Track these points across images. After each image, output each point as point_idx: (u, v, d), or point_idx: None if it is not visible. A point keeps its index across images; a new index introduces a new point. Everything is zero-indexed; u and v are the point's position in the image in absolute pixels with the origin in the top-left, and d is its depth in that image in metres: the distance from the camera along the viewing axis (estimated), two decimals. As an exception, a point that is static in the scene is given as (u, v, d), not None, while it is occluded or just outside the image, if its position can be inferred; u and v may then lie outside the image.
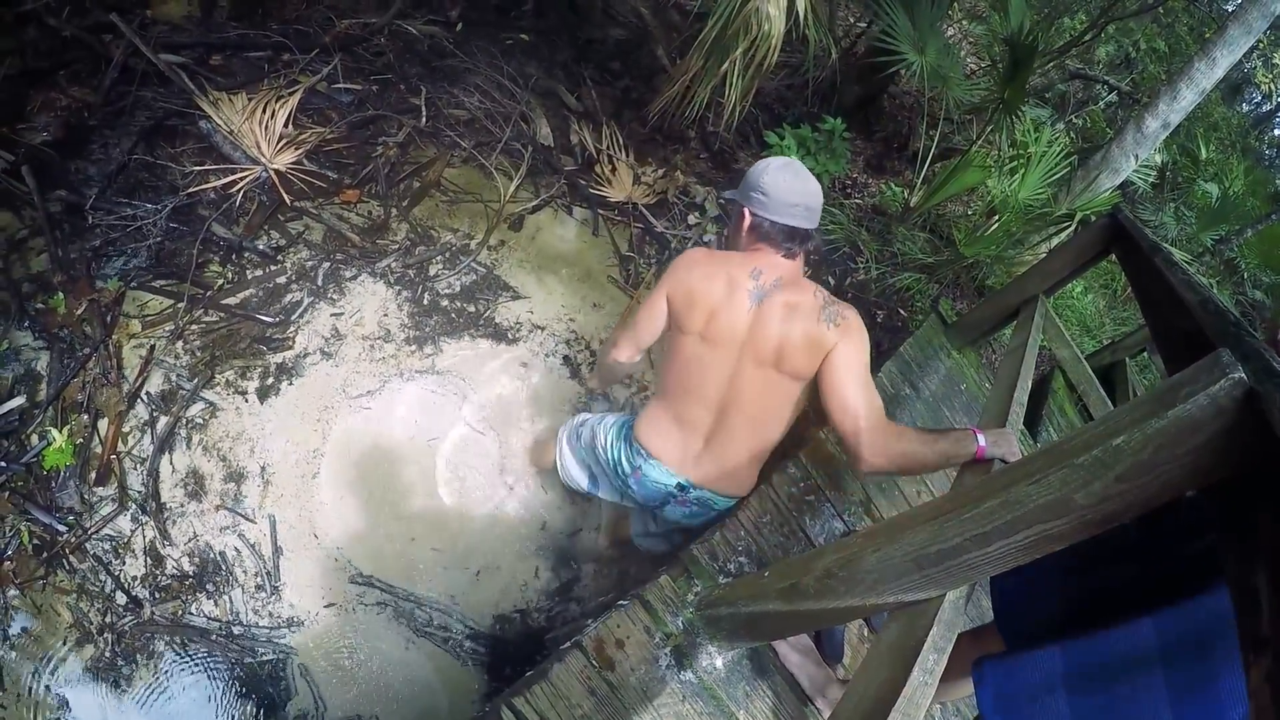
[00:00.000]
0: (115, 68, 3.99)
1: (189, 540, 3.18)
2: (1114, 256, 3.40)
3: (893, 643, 1.87)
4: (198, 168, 3.84)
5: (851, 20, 6.07)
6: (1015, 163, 5.21)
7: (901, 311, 5.01)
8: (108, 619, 2.98)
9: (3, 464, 3.08)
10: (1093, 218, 4.67)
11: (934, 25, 4.79)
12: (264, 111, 4.01)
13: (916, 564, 1.72)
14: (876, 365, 3.79)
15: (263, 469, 3.36)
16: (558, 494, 3.68)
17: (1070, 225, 4.97)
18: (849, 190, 5.65)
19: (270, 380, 3.55)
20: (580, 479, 3.02)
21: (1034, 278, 3.77)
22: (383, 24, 4.68)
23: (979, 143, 5.19)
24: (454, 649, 3.24)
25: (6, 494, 3.05)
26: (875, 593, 1.86)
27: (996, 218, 5.15)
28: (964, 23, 6.35)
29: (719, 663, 2.58)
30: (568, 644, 2.47)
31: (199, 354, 3.51)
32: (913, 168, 5.78)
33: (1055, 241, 5.15)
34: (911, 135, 6.07)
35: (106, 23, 4.10)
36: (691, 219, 4.80)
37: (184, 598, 3.08)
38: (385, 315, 3.85)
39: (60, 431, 3.15)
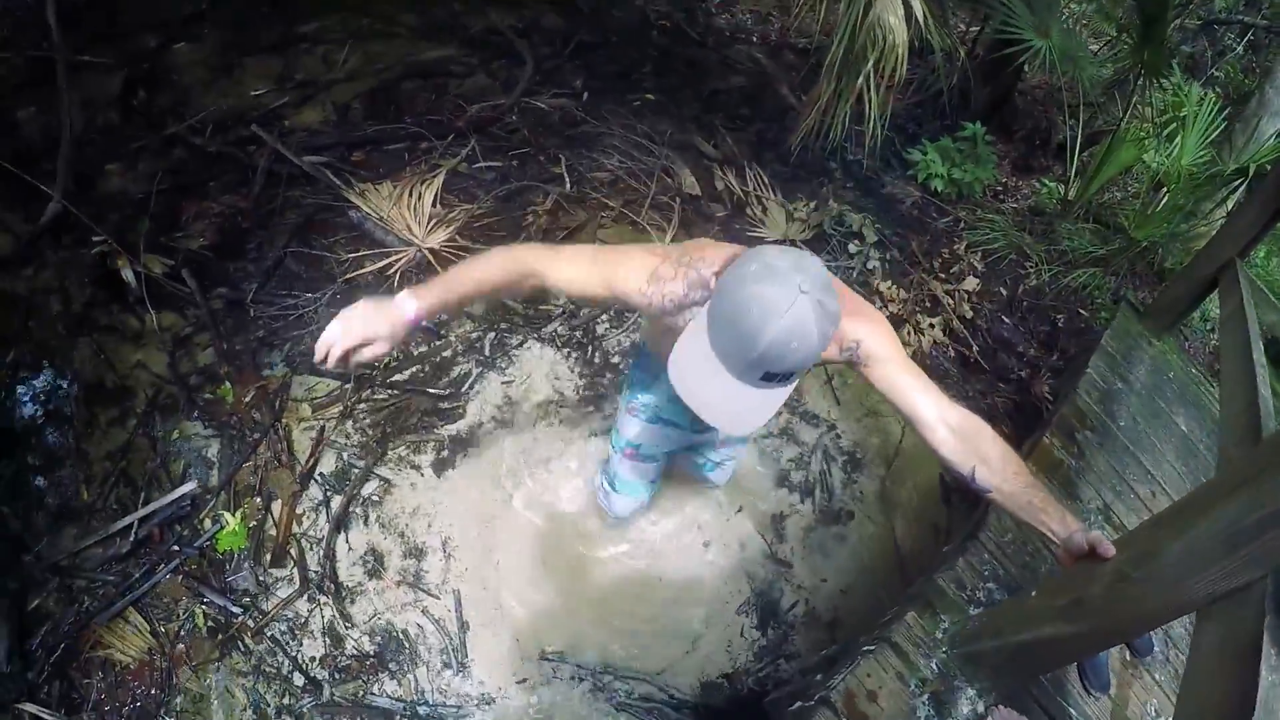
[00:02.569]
0: (261, 174, 4.13)
1: (369, 619, 3.00)
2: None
3: (1217, 648, 1.60)
4: (352, 255, 3.89)
5: (963, 26, 5.94)
6: (1170, 128, 4.84)
7: (1082, 312, 4.73)
8: (285, 701, 2.80)
9: (176, 548, 3.02)
10: (1267, 167, 4.25)
11: (1051, 7, 4.61)
12: (410, 195, 4.07)
13: (1229, 544, 1.45)
14: (1072, 371, 3.57)
15: (443, 543, 3.19)
16: (756, 550, 3.41)
17: (1243, 182, 4.54)
18: (1001, 196, 5.45)
19: (445, 453, 3.43)
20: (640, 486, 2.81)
21: (1223, 242, 3.56)
22: (511, 103, 4.78)
23: (1125, 118, 4.88)
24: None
25: (181, 578, 2.97)
26: (1180, 590, 1.57)
27: (1165, 190, 4.81)
28: (1073, 4, 6.12)
29: (981, 709, 2.19)
30: (812, 701, 2.15)
31: (370, 432, 3.43)
32: (1061, 161, 5.54)
33: (1230, 205, 4.76)
34: (1052, 128, 5.86)
35: (248, 135, 4.30)
36: (852, 247, 4.64)
37: (365, 678, 2.89)
38: (557, 379, 3.74)
39: (233, 515, 3.07)
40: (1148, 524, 1.82)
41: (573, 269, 1.76)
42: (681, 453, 2.90)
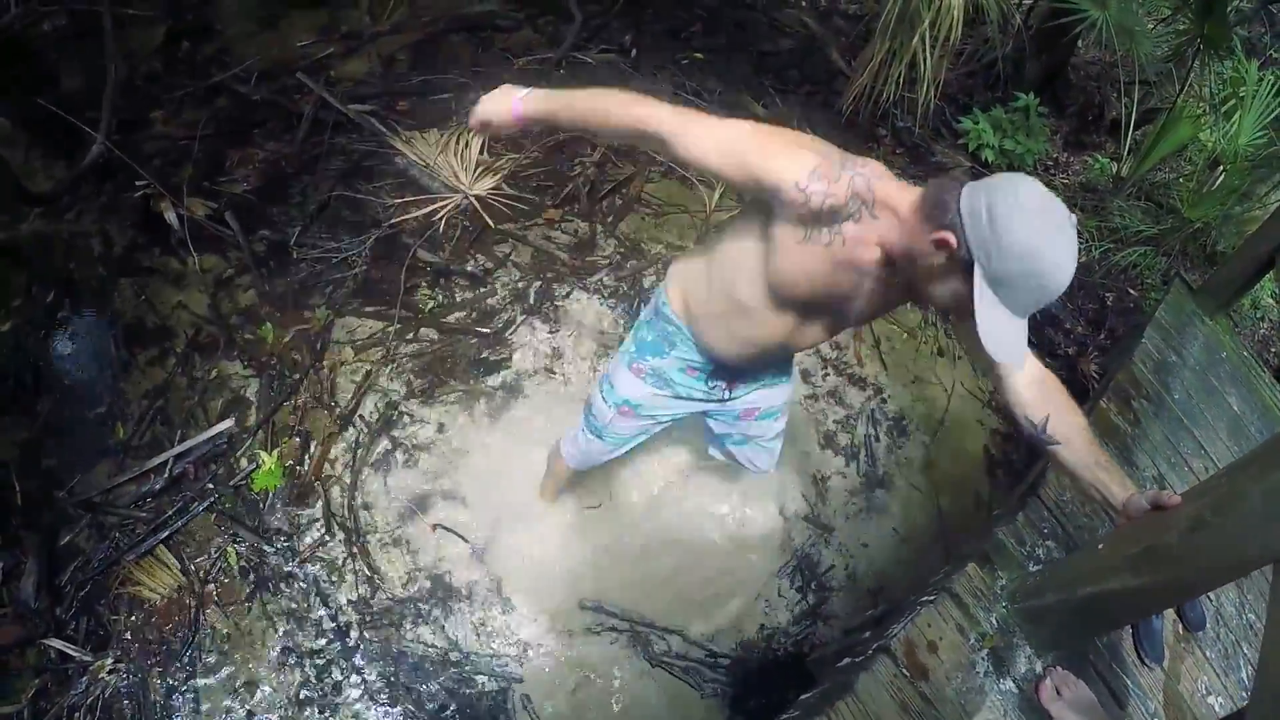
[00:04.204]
0: (307, 121, 4.06)
1: (404, 564, 2.95)
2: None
3: None
4: (398, 200, 3.81)
5: None
6: (1228, 105, 4.70)
7: (1131, 291, 4.61)
8: (316, 644, 2.76)
9: (211, 486, 2.98)
10: None
11: None
12: (457, 143, 3.99)
13: None
14: (1120, 349, 3.52)
15: (483, 492, 3.12)
16: (797, 512, 3.32)
17: None
18: (1052, 170, 5.32)
19: (487, 401, 3.36)
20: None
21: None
22: (559, 58, 4.68)
23: (1182, 94, 4.76)
24: (694, 679, 2.87)
25: (214, 517, 2.93)
26: (1262, 536, 1.52)
27: (1220, 169, 4.68)
28: None
29: (1039, 668, 2.10)
30: (872, 650, 2.04)
31: (414, 377, 3.37)
32: (1114, 138, 5.40)
33: None
34: (1105, 104, 5.66)
35: (294, 84, 4.24)
36: (901, 214, 4.49)
37: (398, 624, 2.83)
38: (603, 330, 3.66)
39: (270, 454, 3.01)
40: (1223, 472, 1.76)
41: (713, 139, 1.57)
42: (715, 434, 2.68)
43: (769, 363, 2.20)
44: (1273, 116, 4.53)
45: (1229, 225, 4.86)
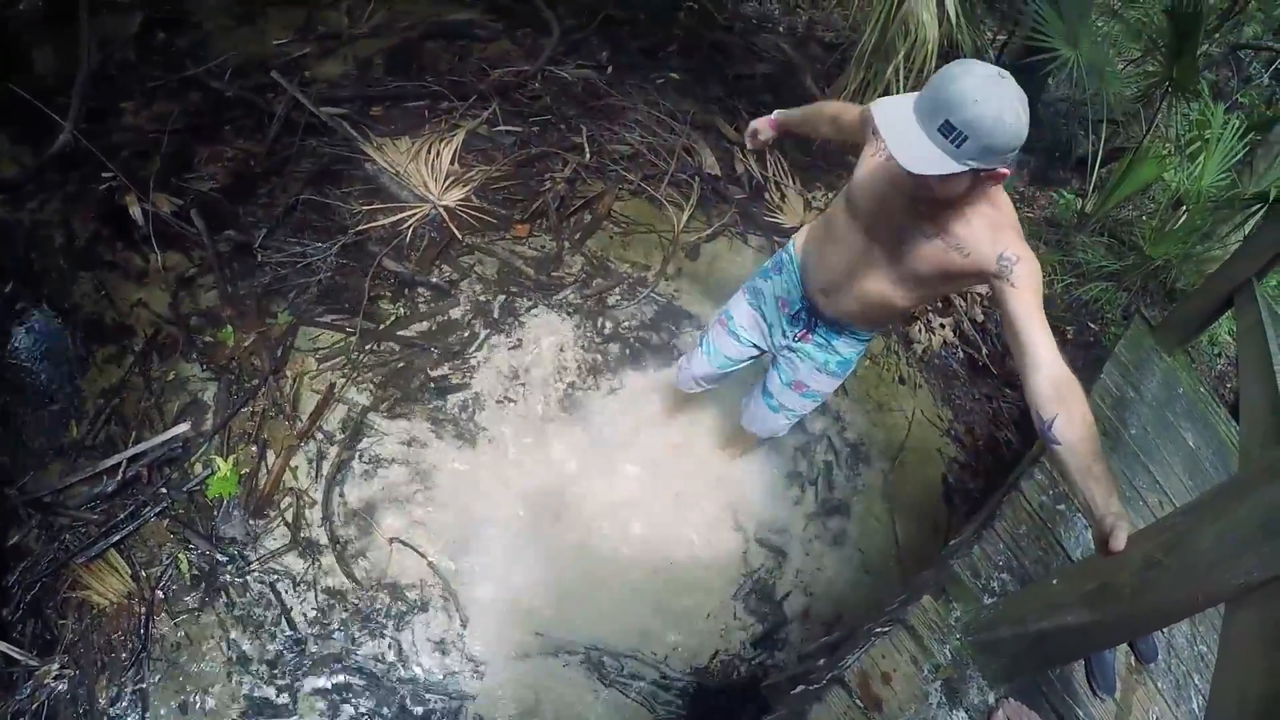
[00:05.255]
0: (278, 121, 3.98)
1: (360, 578, 2.90)
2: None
3: (1254, 636, 1.52)
4: (366, 207, 3.76)
5: (990, 35, 5.84)
6: (1193, 147, 4.83)
7: (1092, 325, 4.74)
8: (267, 654, 2.70)
9: (164, 490, 2.89)
10: None
11: (1083, 16, 4.60)
12: (429, 152, 3.96)
13: (1266, 530, 1.44)
14: (1082, 382, 3.41)
15: (440, 509, 3.08)
16: (754, 537, 3.32)
17: (1262, 207, 4.54)
18: (1018, 204, 5.38)
19: (447, 417, 3.31)
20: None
21: (1240, 262, 3.57)
22: (535, 70, 4.65)
23: (1148, 134, 4.85)
24: (648, 701, 2.85)
25: (166, 522, 2.85)
26: (1213, 578, 1.55)
27: (1183, 209, 4.80)
28: (1098, 24, 6.10)
29: (991, 699, 2.10)
30: (825, 680, 2.05)
31: (374, 389, 3.31)
32: (1079, 175, 5.60)
33: (1246, 229, 4.73)
34: (1073, 141, 5.84)
35: (267, 83, 4.16)
36: (865, 240, 4.54)
37: (352, 637, 2.78)
38: (564, 349, 3.63)
39: (226, 461, 2.94)
40: (1179, 512, 1.78)
41: (856, 108, 2.26)
42: (765, 390, 2.83)
43: (841, 312, 2.36)
44: (1236, 159, 4.64)
45: (1189, 264, 4.96)
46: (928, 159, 1.64)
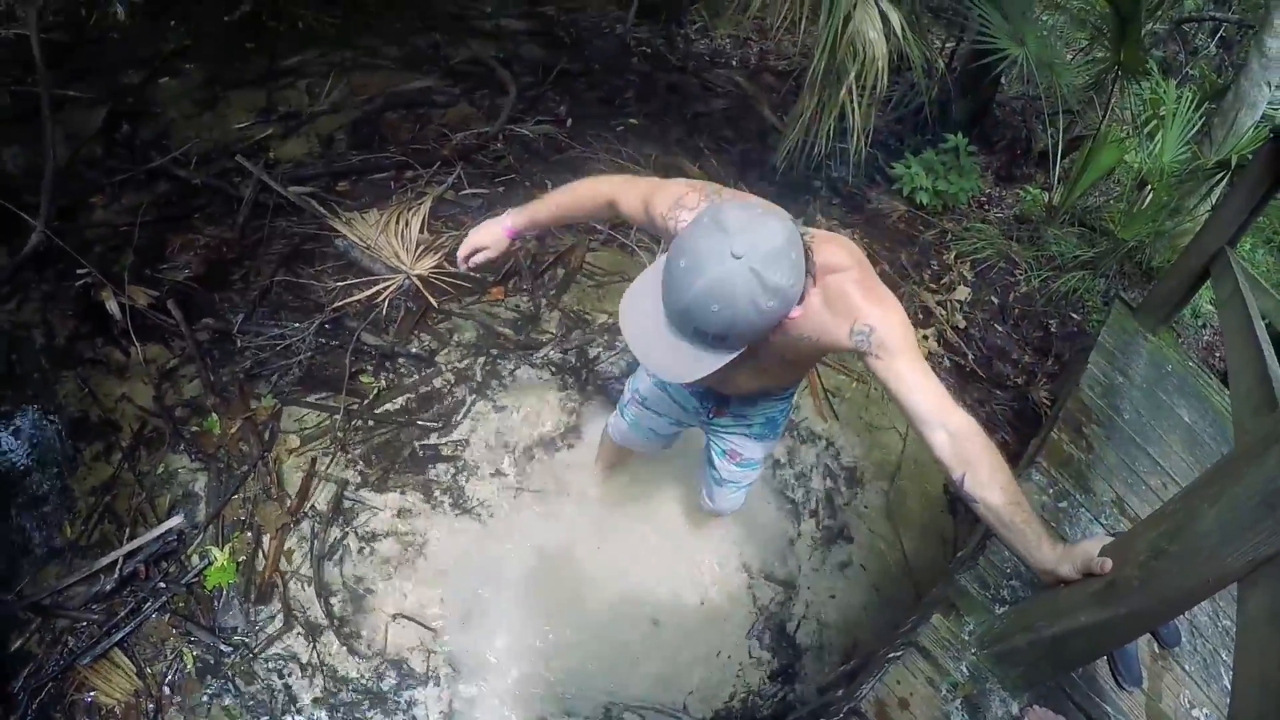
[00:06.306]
0: (247, 205, 4.01)
1: (368, 655, 2.84)
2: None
3: (1267, 614, 1.50)
4: (340, 283, 3.76)
5: (939, 43, 5.93)
6: (1151, 126, 4.90)
7: (1074, 316, 4.76)
8: (280, 743, 2.64)
9: (163, 585, 2.86)
10: (1249, 157, 4.22)
11: (1026, 14, 4.68)
12: (397, 223, 3.97)
13: (1268, 504, 1.41)
14: (1068, 375, 3.64)
15: (438, 579, 3.03)
16: (760, 572, 3.28)
17: (1225, 175, 4.58)
18: (986, 206, 5.49)
19: (437, 486, 3.27)
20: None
21: (1211, 233, 3.58)
22: (495, 131, 4.70)
23: (1105, 120, 4.90)
24: (672, 750, 2.77)
25: (168, 616, 2.80)
26: (1219, 559, 1.51)
27: (1149, 188, 4.84)
28: (1042, 19, 6.20)
29: (1015, 709, 2.06)
30: (843, 713, 1.99)
31: (362, 464, 3.28)
32: (1043, 169, 5.64)
33: (1213, 199, 4.77)
34: (1032, 137, 5.91)
35: (233, 167, 4.21)
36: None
37: (360, 715, 2.71)
38: (549, 406, 3.60)
39: (222, 550, 2.91)
40: (1178, 496, 1.74)
41: (632, 194, 1.88)
42: (707, 462, 2.73)
43: (737, 391, 2.25)
44: (1194, 131, 4.70)
45: (1162, 241, 5.00)
46: (692, 366, 1.48)
